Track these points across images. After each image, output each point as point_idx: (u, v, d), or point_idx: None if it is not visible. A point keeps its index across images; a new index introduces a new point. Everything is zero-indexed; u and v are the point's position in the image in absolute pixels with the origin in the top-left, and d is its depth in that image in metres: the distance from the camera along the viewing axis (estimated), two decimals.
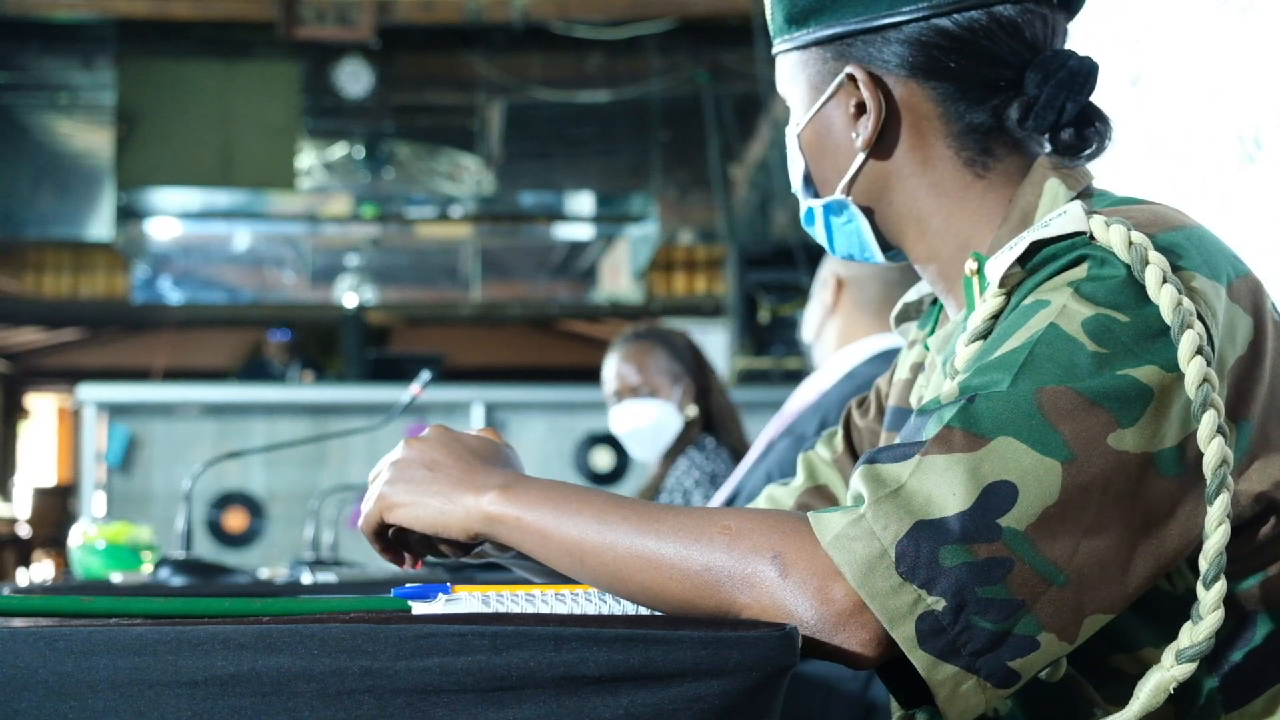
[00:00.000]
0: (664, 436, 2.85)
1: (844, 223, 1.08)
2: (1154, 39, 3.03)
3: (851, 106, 1.04)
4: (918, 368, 1.16)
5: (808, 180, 1.09)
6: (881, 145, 1.04)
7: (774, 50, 1.11)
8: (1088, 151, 1.01)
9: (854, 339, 2.31)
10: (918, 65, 1.01)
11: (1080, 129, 1.00)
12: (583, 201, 8.66)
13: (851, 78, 1.03)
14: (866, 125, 1.03)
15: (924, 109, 1.02)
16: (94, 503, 6.50)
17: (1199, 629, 0.83)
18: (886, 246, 1.09)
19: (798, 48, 1.06)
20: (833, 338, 2.34)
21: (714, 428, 2.88)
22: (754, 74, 7.14)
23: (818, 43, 1.04)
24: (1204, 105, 2.80)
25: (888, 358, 2.21)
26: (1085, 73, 1.00)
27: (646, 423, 2.85)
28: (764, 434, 2.37)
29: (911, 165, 1.04)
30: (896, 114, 1.03)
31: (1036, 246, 0.91)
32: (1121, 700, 0.85)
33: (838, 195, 1.07)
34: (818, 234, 1.12)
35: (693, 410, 2.84)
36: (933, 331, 1.14)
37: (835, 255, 1.12)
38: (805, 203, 1.11)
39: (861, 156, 1.04)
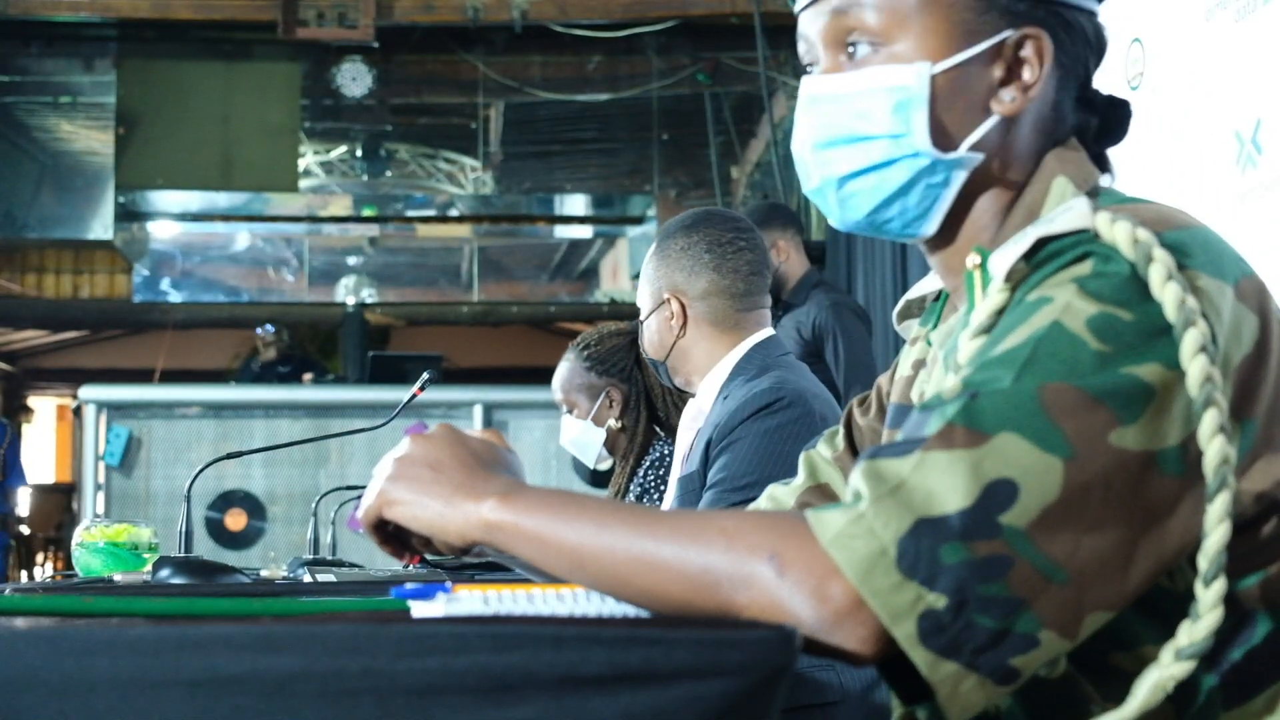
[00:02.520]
0: (590, 450, 2.77)
1: (936, 184, 1.00)
2: (1153, 40, 3.03)
3: (1002, 67, 0.99)
4: (920, 364, 1.16)
5: (935, 127, 0.98)
6: (1014, 117, 1.01)
7: None
8: (1105, 178, 1.05)
9: (717, 358, 2.17)
10: (1064, 47, 1.01)
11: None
12: (582, 202, 8.66)
13: (1020, 41, 0.99)
14: (1024, 94, 0.99)
15: (1049, 94, 1.01)
16: (94, 503, 6.50)
17: (1198, 627, 0.83)
18: None
19: None
20: (694, 358, 2.19)
21: (667, 426, 2.75)
22: (754, 74, 7.13)
23: None
24: (1203, 107, 2.79)
25: (749, 360, 2.15)
26: (1131, 115, 1.07)
27: (569, 438, 2.79)
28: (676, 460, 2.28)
29: (1013, 145, 1.01)
30: (1041, 91, 1.00)
31: (1042, 242, 0.91)
32: (1121, 698, 0.85)
33: (963, 152, 0.99)
34: (873, 189, 1.00)
35: (614, 422, 2.73)
36: (935, 326, 1.14)
37: (858, 219, 1.02)
38: (889, 149, 0.99)
39: (994, 120, 0.99)
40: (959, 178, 1.00)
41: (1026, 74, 0.99)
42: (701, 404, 2.17)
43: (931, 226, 1.02)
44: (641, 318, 2.23)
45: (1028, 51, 0.99)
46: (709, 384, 2.16)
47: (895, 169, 0.99)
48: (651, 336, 2.21)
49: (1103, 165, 1.07)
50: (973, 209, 1.03)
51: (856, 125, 0.99)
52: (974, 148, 1.00)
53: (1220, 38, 2.76)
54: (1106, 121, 1.06)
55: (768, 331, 2.19)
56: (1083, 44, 1.02)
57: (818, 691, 1.86)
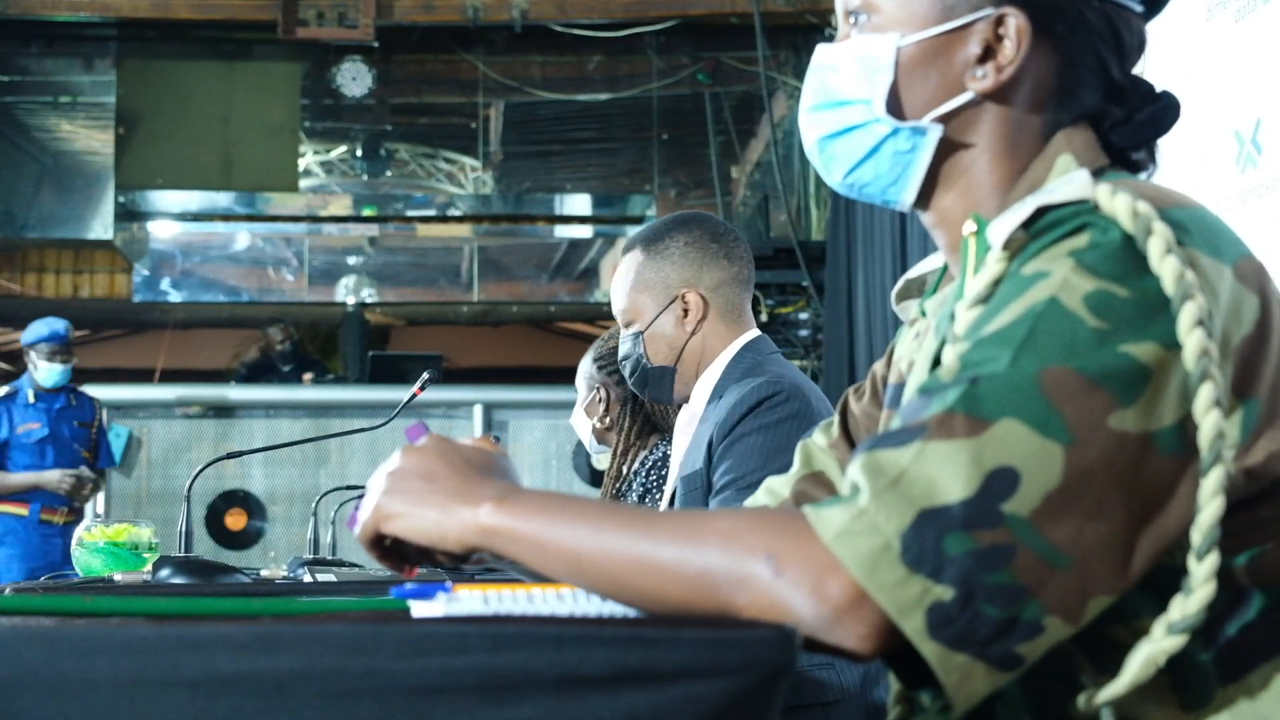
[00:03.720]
0: (584, 435, 2.84)
1: (905, 151, 1.04)
2: (1154, 40, 3.03)
3: (979, 44, 1.01)
4: (918, 337, 1.16)
5: (893, 95, 1.03)
6: (995, 94, 1.02)
7: None
8: (1141, 176, 1.05)
9: (716, 354, 2.15)
10: (1060, 33, 1.01)
11: (1150, 157, 1.06)
12: (582, 202, 8.65)
13: (1000, 20, 1.00)
14: (999, 70, 1.01)
15: (1045, 79, 1.02)
16: (94, 502, 6.50)
17: (1190, 602, 0.83)
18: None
19: None
20: (704, 356, 2.15)
21: (665, 428, 2.76)
22: (754, 74, 7.13)
23: None
24: (1203, 107, 2.79)
25: (740, 359, 2.12)
26: (1177, 111, 1.05)
27: (572, 419, 2.86)
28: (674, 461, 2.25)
29: (1001, 124, 1.02)
30: (1022, 71, 1.01)
31: (1041, 212, 0.91)
32: (1117, 671, 0.85)
33: (925, 122, 1.03)
34: (844, 151, 1.06)
35: (597, 421, 2.78)
36: (932, 296, 1.14)
37: (844, 179, 1.07)
38: (864, 115, 1.03)
39: (968, 96, 1.02)
40: (925, 146, 1.03)
41: (1002, 53, 1.01)
42: (695, 406, 2.17)
43: (909, 194, 1.05)
44: (640, 328, 2.17)
45: (1006, 30, 1.01)
46: (702, 384, 2.16)
47: (863, 133, 1.04)
48: (659, 343, 2.16)
49: (1133, 160, 1.06)
50: (961, 181, 1.04)
51: (838, 90, 1.05)
52: (944, 119, 1.02)
53: (1220, 38, 2.76)
54: (1139, 114, 1.04)
55: (755, 331, 2.20)
56: (1085, 31, 1.02)
57: (818, 690, 1.86)
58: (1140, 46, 1.06)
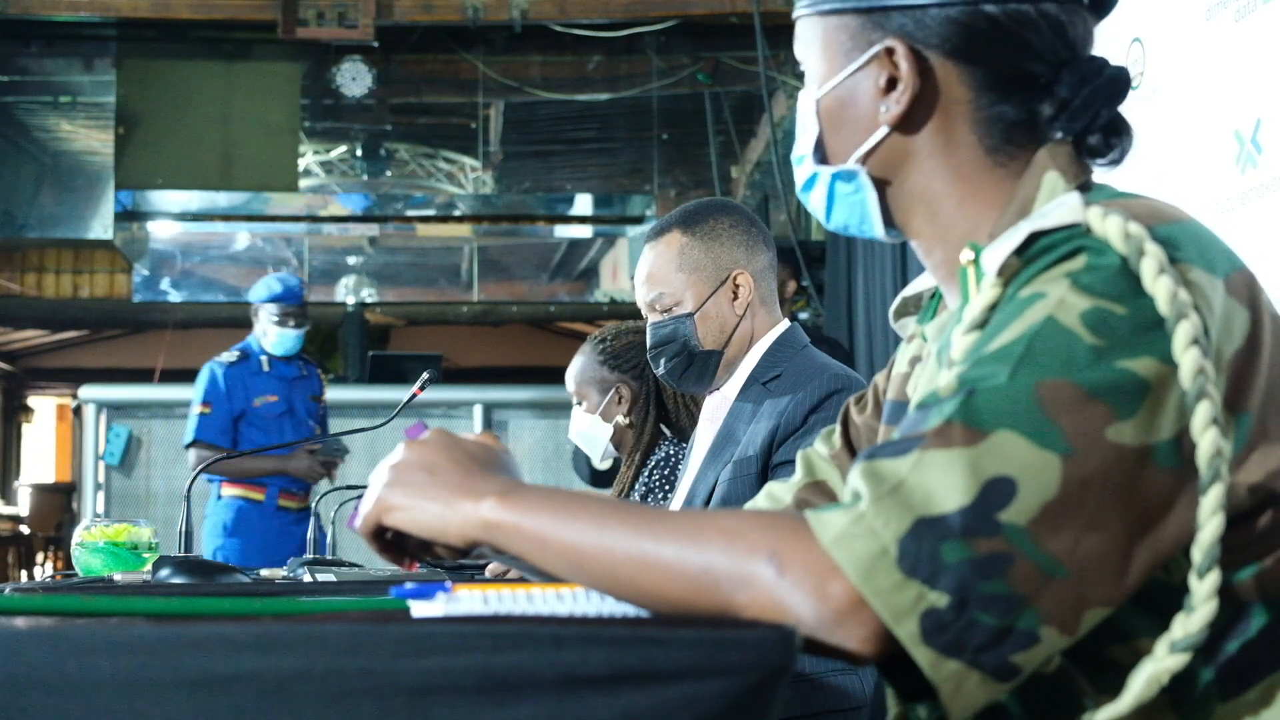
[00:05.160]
0: (596, 444, 2.74)
1: (850, 193, 1.07)
2: (1153, 40, 3.03)
3: (882, 79, 1.03)
4: (916, 360, 1.16)
5: (819, 146, 1.08)
6: (907, 122, 1.03)
7: (798, 13, 1.09)
8: (1110, 158, 1.03)
9: (754, 342, 2.13)
10: (957, 47, 1.01)
11: (1108, 137, 1.03)
12: (582, 202, 8.65)
13: (889, 51, 1.02)
14: (898, 101, 1.02)
15: (956, 92, 1.02)
16: (94, 502, 6.50)
17: (1192, 620, 0.83)
18: (888, 224, 1.08)
19: (829, 12, 1.05)
20: (747, 341, 2.13)
21: (676, 427, 2.72)
22: (754, 74, 7.13)
23: (855, 10, 1.04)
24: (1203, 107, 2.79)
25: (776, 351, 2.11)
26: (1122, 82, 1.02)
27: (577, 431, 2.76)
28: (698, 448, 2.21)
29: (933, 146, 1.03)
30: (928, 93, 1.02)
31: (1034, 237, 0.91)
32: (1116, 690, 0.86)
33: (850, 165, 1.06)
34: (815, 201, 1.10)
35: (622, 418, 2.70)
36: (931, 322, 1.14)
37: (828, 224, 1.11)
38: (811, 168, 1.09)
39: (884, 130, 1.04)
40: (864, 186, 1.06)
41: (901, 82, 1.02)
42: (727, 392, 2.14)
43: (878, 229, 1.08)
44: (691, 309, 2.11)
45: (897, 59, 1.02)
46: (737, 373, 2.13)
47: (818, 184, 1.09)
48: (710, 325, 2.11)
49: (1107, 145, 1.03)
50: (920, 208, 1.05)
51: (795, 148, 1.12)
52: (871, 157, 1.05)
53: (1220, 38, 2.76)
54: (1075, 101, 1.01)
55: (787, 321, 2.17)
56: (964, 36, 1.01)
57: (841, 697, 1.86)
58: (1059, 28, 1.01)
